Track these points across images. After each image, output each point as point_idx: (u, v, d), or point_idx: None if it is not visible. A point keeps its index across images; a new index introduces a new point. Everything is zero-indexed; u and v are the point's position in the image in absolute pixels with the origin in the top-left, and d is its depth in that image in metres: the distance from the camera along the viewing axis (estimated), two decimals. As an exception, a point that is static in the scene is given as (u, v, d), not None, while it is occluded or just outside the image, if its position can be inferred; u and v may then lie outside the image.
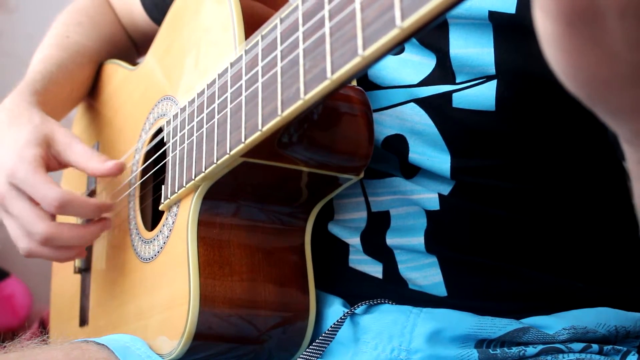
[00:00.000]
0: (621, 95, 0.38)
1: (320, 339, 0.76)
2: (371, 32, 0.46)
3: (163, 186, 0.81)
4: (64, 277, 1.15)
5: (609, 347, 0.75)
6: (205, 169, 0.71)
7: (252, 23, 0.73)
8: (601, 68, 0.37)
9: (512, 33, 0.68)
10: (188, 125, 0.76)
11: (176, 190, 0.77)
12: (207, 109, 0.72)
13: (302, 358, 0.76)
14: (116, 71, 1.09)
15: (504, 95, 0.69)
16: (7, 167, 0.88)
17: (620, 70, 0.37)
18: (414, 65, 0.74)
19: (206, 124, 0.72)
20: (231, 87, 0.67)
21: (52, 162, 0.92)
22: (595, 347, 0.75)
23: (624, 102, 0.39)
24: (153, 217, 0.92)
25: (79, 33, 1.13)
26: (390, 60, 0.75)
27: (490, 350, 0.74)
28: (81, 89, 1.12)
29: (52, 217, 0.89)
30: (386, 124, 0.75)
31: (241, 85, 0.65)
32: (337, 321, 0.77)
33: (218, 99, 0.70)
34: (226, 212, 0.76)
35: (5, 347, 0.76)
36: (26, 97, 0.97)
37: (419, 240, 0.76)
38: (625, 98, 0.39)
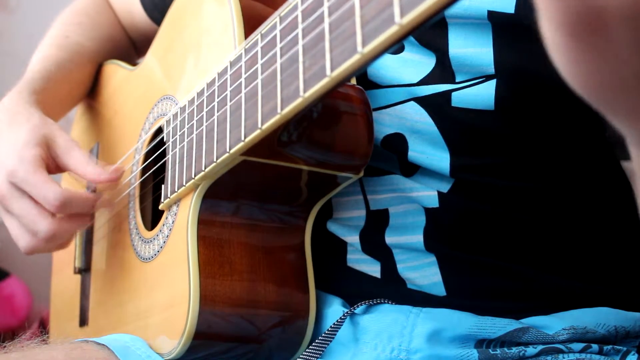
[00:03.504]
0: (629, 100, 0.38)
1: (320, 339, 0.76)
2: (370, 29, 0.46)
3: (163, 185, 0.81)
4: (63, 278, 1.15)
5: (609, 347, 0.75)
6: (205, 168, 0.71)
7: (252, 22, 0.73)
8: (608, 75, 0.37)
9: (511, 33, 0.68)
10: (188, 124, 0.76)
11: (176, 190, 0.77)
12: (206, 107, 0.72)
13: (302, 358, 0.76)
14: (116, 71, 1.09)
15: (503, 94, 0.69)
16: (7, 167, 0.88)
17: (627, 77, 0.37)
18: (413, 65, 0.74)
19: (206, 123, 0.72)
20: (231, 86, 0.67)
21: (51, 164, 0.92)
22: (595, 347, 0.75)
23: (632, 107, 0.39)
24: (153, 217, 0.92)
25: (78, 33, 1.13)
26: (389, 60, 0.75)
27: (490, 350, 0.74)
28: (80, 89, 1.12)
29: (52, 213, 0.89)
30: (385, 123, 0.75)
31: (241, 83, 0.65)
32: (337, 321, 0.77)
33: (218, 98, 0.70)
34: (226, 211, 0.76)
35: (5, 347, 0.76)
36: (25, 97, 0.97)
37: (418, 239, 0.76)
38: (634, 102, 0.39)
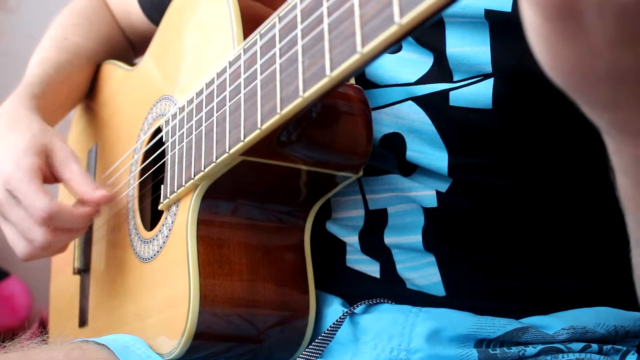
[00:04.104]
0: (598, 89, 0.39)
1: (320, 339, 0.76)
2: (370, 29, 0.46)
3: (162, 186, 0.81)
4: (63, 278, 1.15)
5: (609, 346, 0.75)
6: (204, 168, 0.71)
7: (250, 22, 0.73)
8: (579, 62, 0.38)
9: (508, 31, 0.68)
10: (187, 124, 0.76)
11: (175, 190, 0.77)
12: (205, 107, 0.72)
13: (301, 358, 0.76)
14: (114, 72, 1.09)
15: (501, 93, 0.69)
16: (4, 174, 0.88)
17: (597, 66, 0.38)
18: (411, 64, 0.74)
19: (205, 123, 0.72)
20: (230, 86, 0.67)
21: (48, 174, 0.92)
22: (594, 346, 0.74)
23: (600, 96, 0.40)
24: (152, 217, 0.92)
25: (76, 34, 1.13)
26: (387, 59, 0.75)
27: (490, 350, 0.74)
28: (79, 91, 1.12)
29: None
30: (384, 123, 0.75)
31: (240, 83, 0.65)
32: (337, 321, 0.77)
33: (217, 98, 0.70)
34: (226, 211, 0.76)
35: (5, 347, 0.76)
36: (25, 102, 0.97)
37: (416, 238, 0.76)
38: (602, 92, 0.39)
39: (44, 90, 1.01)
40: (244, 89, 0.65)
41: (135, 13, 1.12)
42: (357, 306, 0.78)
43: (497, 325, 0.74)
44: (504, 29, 0.68)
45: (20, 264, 1.71)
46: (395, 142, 0.75)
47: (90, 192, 0.88)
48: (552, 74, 0.40)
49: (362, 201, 0.79)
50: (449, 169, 0.73)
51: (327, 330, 0.77)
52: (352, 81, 0.75)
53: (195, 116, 0.74)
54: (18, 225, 0.88)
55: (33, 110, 0.96)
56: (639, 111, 0.40)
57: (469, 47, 0.69)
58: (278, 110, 0.58)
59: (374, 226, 0.78)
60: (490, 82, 0.69)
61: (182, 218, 0.77)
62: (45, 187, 0.88)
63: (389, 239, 0.78)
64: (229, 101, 0.67)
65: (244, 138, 0.64)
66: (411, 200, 0.76)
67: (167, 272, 0.79)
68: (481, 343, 0.74)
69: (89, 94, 1.15)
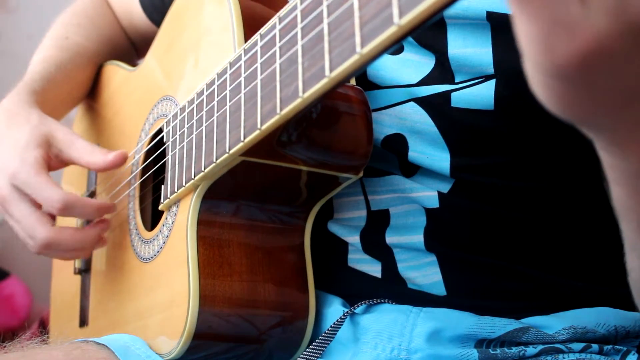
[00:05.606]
0: (598, 119, 0.40)
1: (320, 339, 0.76)
2: (369, 30, 0.46)
3: (163, 186, 0.81)
4: (63, 278, 1.15)
5: (609, 347, 0.75)
6: (204, 168, 0.71)
7: (251, 23, 0.74)
8: (582, 105, 0.39)
9: (510, 33, 0.68)
10: (187, 125, 0.76)
11: (176, 190, 0.77)
12: (206, 108, 0.72)
13: (302, 358, 0.76)
14: (116, 72, 1.09)
15: (503, 94, 0.69)
16: (9, 169, 0.88)
17: (604, 101, 0.38)
18: (413, 65, 0.74)
19: (205, 123, 0.72)
20: (230, 86, 0.67)
21: (53, 162, 0.92)
22: (595, 347, 0.75)
23: (600, 124, 0.41)
24: (153, 217, 0.92)
25: (78, 34, 1.13)
26: (389, 60, 0.75)
27: (490, 350, 0.74)
28: (80, 90, 1.12)
29: (53, 220, 0.89)
30: (386, 123, 0.75)
31: (240, 83, 0.65)
32: (337, 321, 0.77)
33: (217, 98, 0.70)
34: (226, 212, 0.76)
35: (5, 347, 0.76)
36: (24, 97, 0.98)
37: (418, 239, 0.76)
38: (603, 121, 0.40)
39: (44, 87, 1.01)
40: (244, 89, 0.65)
41: (137, 14, 1.13)
42: (358, 306, 0.78)
43: (497, 325, 0.74)
44: (506, 30, 0.68)
45: (21, 264, 1.72)
46: (397, 143, 0.75)
47: (103, 158, 0.89)
48: (551, 110, 0.41)
49: (364, 202, 0.79)
50: (450, 170, 0.73)
51: (328, 330, 0.77)
52: (353, 82, 0.75)
53: (196, 116, 0.74)
54: (20, 221, 0.89)
55: (32, 104, 0.96)
56: (636, 130, 0.40)
57: (471, 49, 0.69)
58: (278, 110, 0.59)
59: (376, 226, 0.78)
60: (492, 83, 0.69)
61: (182, 218, 0.77)
62: (54, 180, 0.88)
63: (390, 239, 0.78)
64: (229, 102, 0.67)
65: (244, 138, 0.64)
66: (413, 201, 0.76)
67: (167, 272, 0.79)
68: (481, 343, 0.74)
69: (91, 94, 1.15)
